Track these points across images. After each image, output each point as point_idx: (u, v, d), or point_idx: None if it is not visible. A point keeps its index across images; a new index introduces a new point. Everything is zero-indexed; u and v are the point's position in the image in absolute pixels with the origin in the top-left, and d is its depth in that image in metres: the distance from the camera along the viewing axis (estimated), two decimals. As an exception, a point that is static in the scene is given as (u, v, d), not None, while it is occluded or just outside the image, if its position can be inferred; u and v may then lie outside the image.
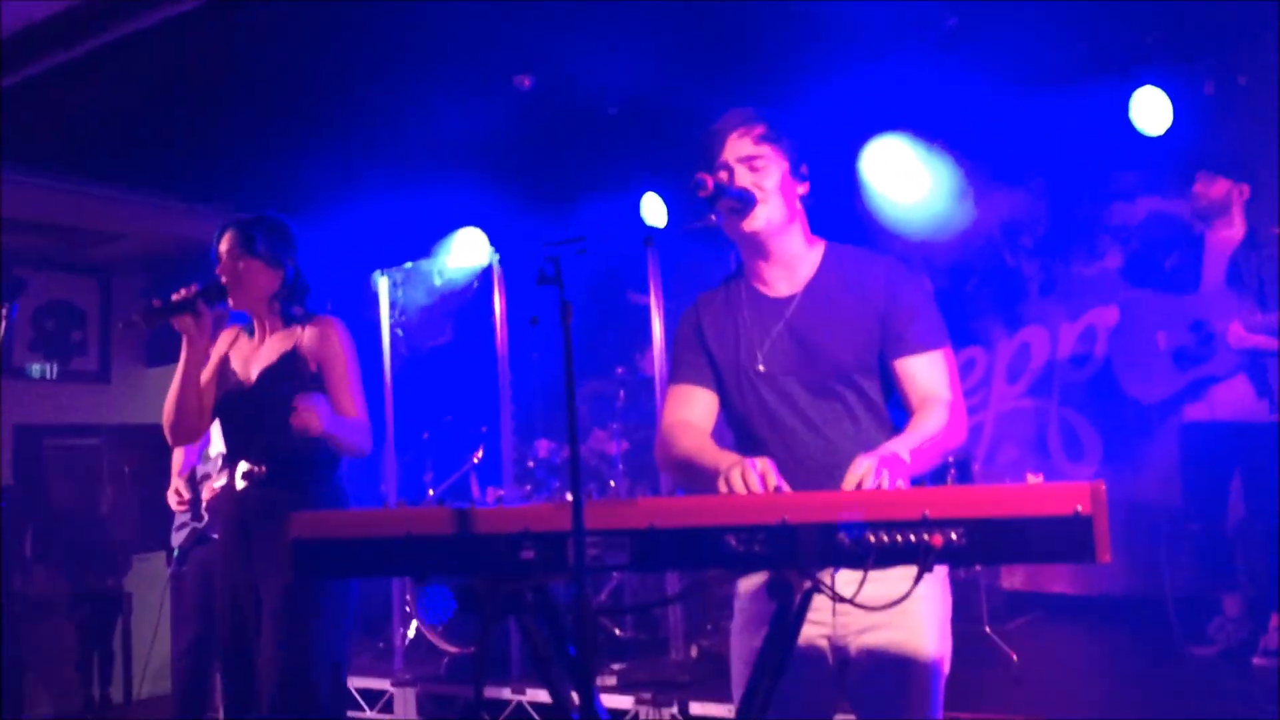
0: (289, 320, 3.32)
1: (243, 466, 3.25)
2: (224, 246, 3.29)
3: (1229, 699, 4.11)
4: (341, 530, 2.12)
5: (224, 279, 3.25)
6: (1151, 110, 5.16)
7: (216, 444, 4.47)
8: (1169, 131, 5.09)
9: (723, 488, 2.03)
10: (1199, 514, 4.71)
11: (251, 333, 3.39)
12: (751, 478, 2.00)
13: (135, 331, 3.20)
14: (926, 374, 2.27)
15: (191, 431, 3.33)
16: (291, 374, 3.23)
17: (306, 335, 3.29)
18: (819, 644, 2.26)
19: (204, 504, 4.43)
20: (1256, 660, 4.37)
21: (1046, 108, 5.60)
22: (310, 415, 3.00)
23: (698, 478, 2.27)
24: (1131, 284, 5.37)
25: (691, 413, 2.41)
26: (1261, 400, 4.49)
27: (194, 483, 4.48)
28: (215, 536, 4.24)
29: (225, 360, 3.37)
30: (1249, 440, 4.51)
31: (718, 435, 2.43)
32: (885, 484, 1.94)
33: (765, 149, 2.31)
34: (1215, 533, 4.61)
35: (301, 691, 3.06)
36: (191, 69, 4.89)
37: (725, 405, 2.43)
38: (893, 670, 2.23)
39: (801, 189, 2.37)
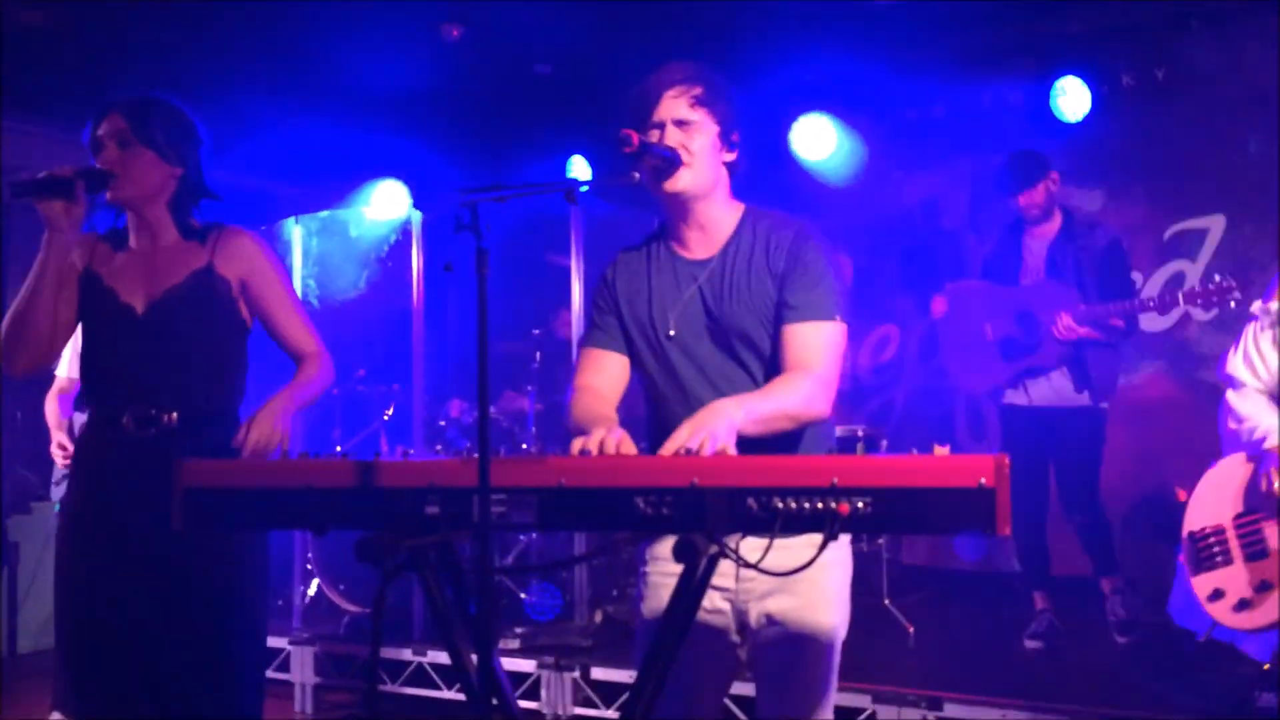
0: (187, 231, 2.70)
1: (136, 411, 2.59)
2: (106, 129, 2.62)
3: (1126, 673, 4.25)
4: (238, 480, 2.04)
5: (106, 166, 2.59)
6: (1073, 99, 5.25)
7: None
8: (1087, 119, 5.20)
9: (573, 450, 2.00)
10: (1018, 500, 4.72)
11: (120, 244, 2.71)
12: (590, 445, 1.96)
13: None
14: (805, 342, 2.23)
15: (39, 359, 2.63)
16: (206, 297, 2.65)
17: (220, 249, 2.69)
18: (721, 608, 2.26)
19: None
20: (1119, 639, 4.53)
21: (972, 90, 5.68)
22: (261, 438, 2.49)
23: None
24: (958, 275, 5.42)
25: (598, 378, 2.38)
26: (1081, 392, 4.58)
27: (73, 435, 4.28)
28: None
29: (92, 276, 2.66)
30: (1066, 424, 4.60)
31: (632, 397, 2.41)
32: (705, 449, 1.90)
33: (700, 113, 2.28)
34: (1034, 522, 4.66)
35: (223, 680, 2.56)
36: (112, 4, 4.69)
37: (636, 369, 2.41)
38: (792, 637, 2.25)
39: (729, 156, 2.35)
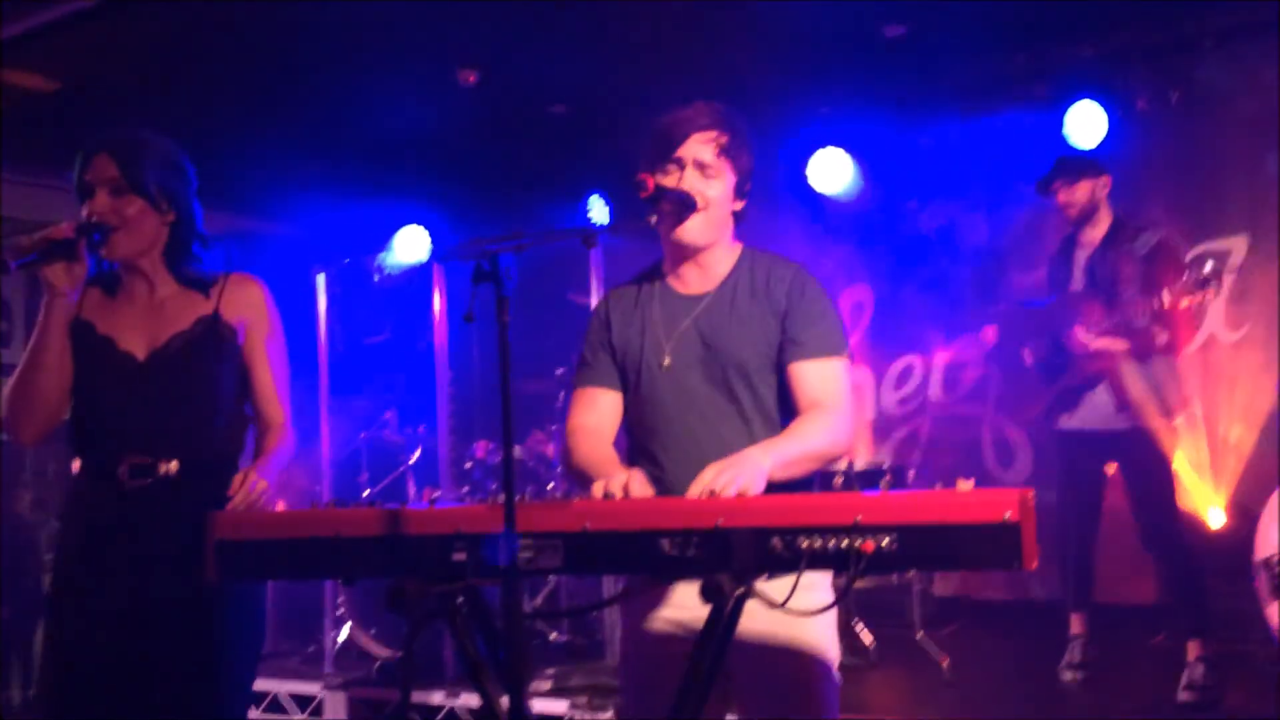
0: (186, 279, 2.57)
1: (133, 460, 2.46)
2: (95, 174, 2.46)
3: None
4: (268, 531, 2.07)
5: (100, 219, 2.44)
6: (1087, 123, 5.24)
7: None
8: (1102, 144, 5.19)
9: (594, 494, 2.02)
10: (1073, 524, 4.51)
11: (111, 289, 2.58)
12: (615, 490, 1.98)
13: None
14: (816, 379, 2.26)
15: (48, 425, 2.51)
16: (212, 344, 2.53)
17: (226, 295, 2.58)
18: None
19: None
20: (1182, 696, 4.15)
21: (987, 116, 5.68)
22: (255, 491, 2.38)
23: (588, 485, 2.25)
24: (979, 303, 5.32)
25: (592, 417, 2.39)
26: (1122, 411, 4.36)
27: None
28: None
29: (84, 325, 2.54)
30: (1116, 447, 4.40)
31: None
32: (729, 491, 1.92)
33: (723, 162, 2.31)
34: (1083, 545, 4.50)
35: None
36: (128, 60, 4.78)
37: (626, 402, 2.41)
38: (781, 673, 2.24)
39: (738, 205, 2.38)
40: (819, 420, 2.21)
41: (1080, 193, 4.48)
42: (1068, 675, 4.51)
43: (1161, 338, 4.31)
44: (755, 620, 2.09)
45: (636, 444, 2.39)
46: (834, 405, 2.23)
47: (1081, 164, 4.54)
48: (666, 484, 2.25)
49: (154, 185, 2.47)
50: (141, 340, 2.52)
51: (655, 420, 2.34)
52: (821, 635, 2.25)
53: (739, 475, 1.96)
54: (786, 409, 2.31)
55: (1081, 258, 4.54)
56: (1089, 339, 4.35)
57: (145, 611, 2.42)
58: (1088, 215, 4.50)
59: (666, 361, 2.33)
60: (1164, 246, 4.40)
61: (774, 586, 1.81)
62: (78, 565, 2.49)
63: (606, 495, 1.99)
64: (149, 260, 2.54)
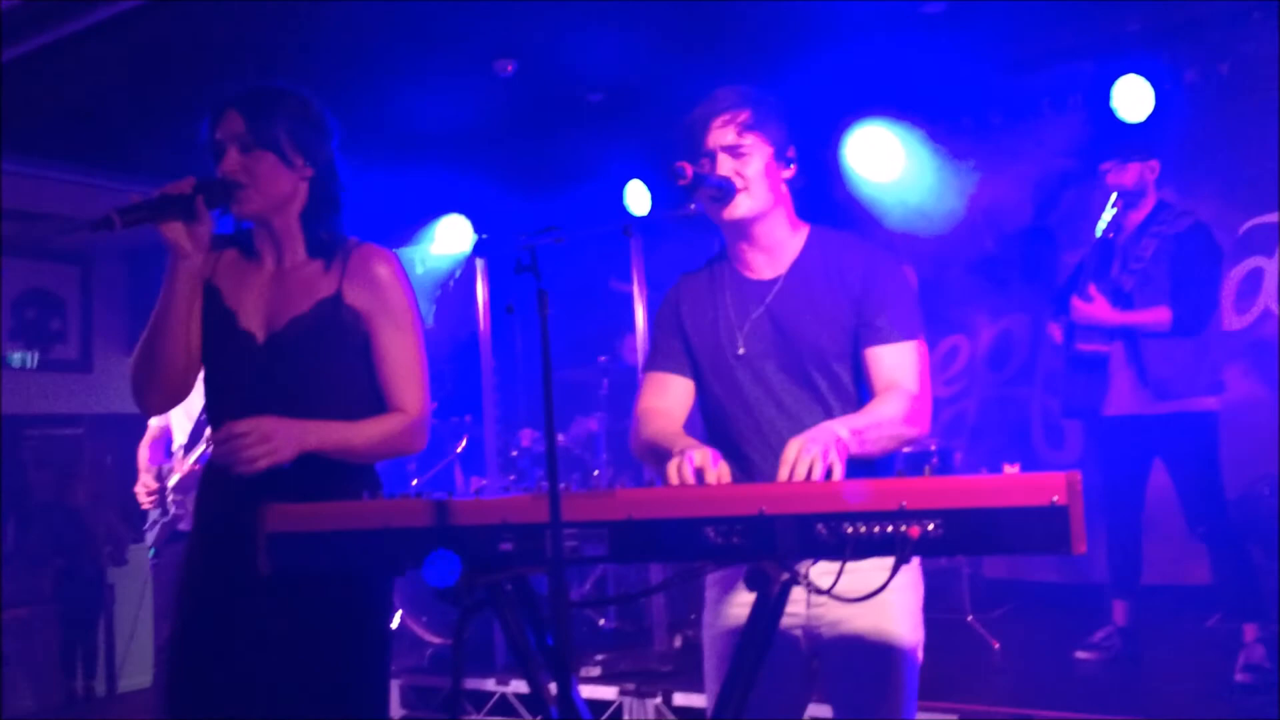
0: (317, 246, 2.35)
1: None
2: (224, 131, 2.30)
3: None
4: (316, 523, 2.09)
5: (231, 176, 2.28)
6: (1134, 98, 5.15)
7: (180, 436, 4.29)
8: (1151, 118, 5.09)
9: (671, 478, 2.02)
10: (1116, 511, 4.49)
11: (249, 252, 2.40)
12: (685, 469, 1.98)
13: (109, 233, 2.11)
14: (894, 363, 2.25)
15: (175, 392, 2.35)
16: (332, 330, 2.31)
17: (350, 274, 2.33)
18: (793, 634, 2.26)
19: (170, 497, 4.27)
20: (1239, 677, 4.11)
21: (1031, 93, 5.60)
22: (259, 448, 2.14)
23: (659, 463, 2.26)
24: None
25: (664, 400, 2.39)
26: (1143, 392, 4.34)
27: (161, 478, 4.37)
28: (184, 529, 4.02)
29: (213, 291, 2.38)
30: (1151, 431, 4.36)
31: (691, 422, 2.42)
32: (816, 473, 1.92)
33: (749, 137, 2.29)
34: (1128, 528, 4.47)
35: None
36: (170, 53, 4.84)
37: (700, 391, 2.42)
38: (866, 661, 2.23)
39: (787, 173, 2.35)
40: (895, 400, 2.20)
41: (1129, 175, 4.47)
42: (1080, 655, 4.52)
43: (1183, 317, 4.29)
44: (839, 607, 2.11)
45: (715, 433, 2.39)
46: (911, 387, 2.23)
47: (1134, 145, 4.51)
48: (750, 473, 2.26)
49: (285, 139, 2.30)
50: (261, 319, 2.33)
51: (733, 409, 2.34)
52: (902, 620, 2.24)
53: (823, 451, 1.94)
54: (865, 393, 2.31)
55: (1121, 240, 4.51)
56: (1098, 314, 4.35)
57: (261, 600, 2.23)
58: (1134, 198, 4.48)
59: (741, 350, 2.33)
60: (1196, 230, 4.38)
61: (851, 568, 1.76)
62: (199, 551, 2.38)
63: (682, 476, 1.97)
64: (284, 220, 2.34)
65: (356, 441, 2.28)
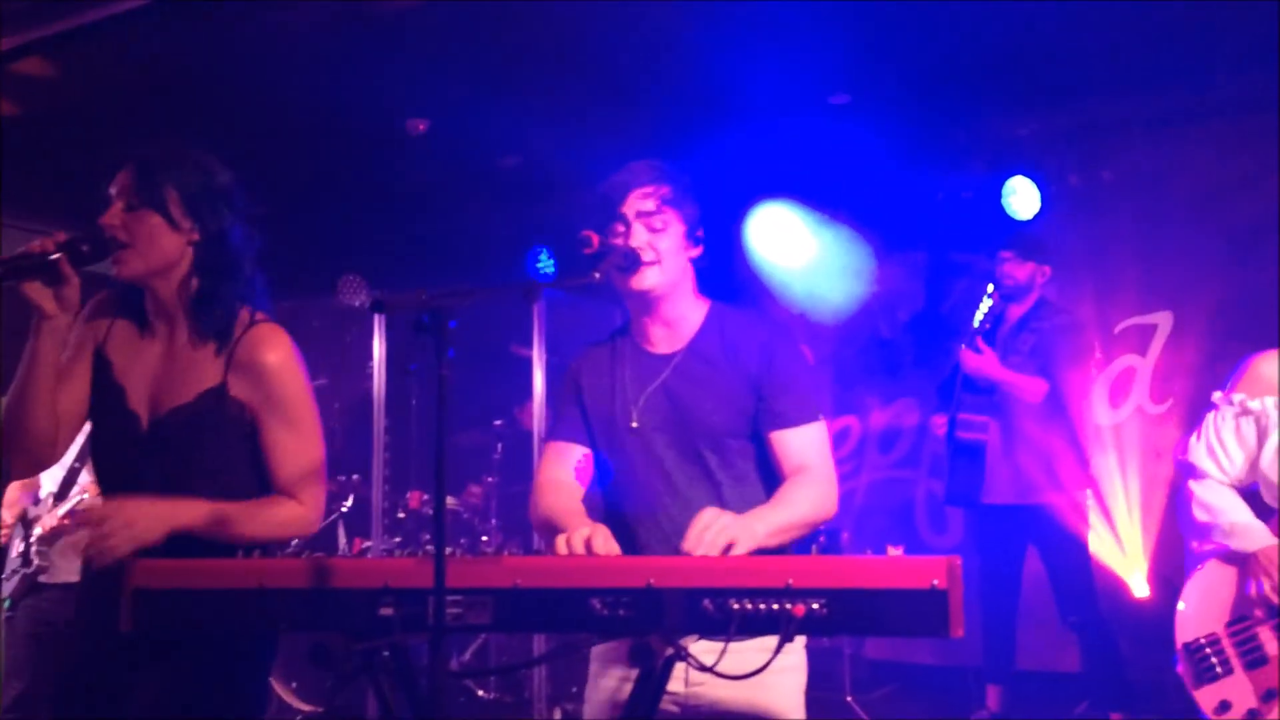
0: (206, 324, 2.22)
1: None
2: (117, 185, 2.20)
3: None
4: (188, 580, 2.00)
5: (109, 232, 2.16)
6: (1023, 196, 5.40)
7: (49, 484, 4.09)
8: (1037, 217, 5.34)
9: (560, 550, 2.01)
10: (990, 596, 4.63)
11: (143, 323, 2.29)
12: (575, 541, 1.98)
13: None
14: (799, 446, 2.27)
15: (40, 459, 2.26)
16: (215, 423, 2.21)
17: (237, 360, 2.22)
18: (670, 710, 2.23)
19: (33, 548, 4.09)
20: None
21: (925, 187, 5.82)
22: (116, 536, 2.06)
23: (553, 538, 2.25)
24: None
25: (563, 471, 2.39)
26: (1012, 488, 4.52)
27: (25, 525, 4.16)
28: (46, 581, 3.91)
29: (105, 361, 2.26)
30: (1018, 520, 4.53)
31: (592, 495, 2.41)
32: (720, 540, 1.93)
33: (668, 212, 2.31)
34: (1002, 614, 4.59)
35: None
36: (85, 104, 4.74)
37: (597, 463, 2.41)
38: None
39: (694, 252, 2.38)
40: (806, 488, 2.21)
41: (1023, 271, 4.68)
42: None
43: (1049, 414, 4.48)
44: (719, 687, 2.08)
45: (608, 505, 2.38)
46: (819, 471, 2.25)
47: (1034, 246, 4.74)
48: (638, 545, 2.25)
49: (174, 200, 2.19)
50: (146, 402, 2.23)
51: (624, 483, 2.34)
52: (784, 702, 2.24)
53: (731, 527, 1.96)
54: (766, 472, 2.31)
55: (1002, 332, 4.71)
56: (985, 367, 4.53)
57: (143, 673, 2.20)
58: (1020, 294, 4.69)
59: (635, 423, 2.33)
60: (1068, 328, 4.62)
61: (733, 648, 1.77)
62: (83, 615, 2.30)
63: (571, 547, 1.97)
64: (167, 287, 2.22)
65: (238, 524, 2.18)
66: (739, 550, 1.95)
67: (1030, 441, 4.51)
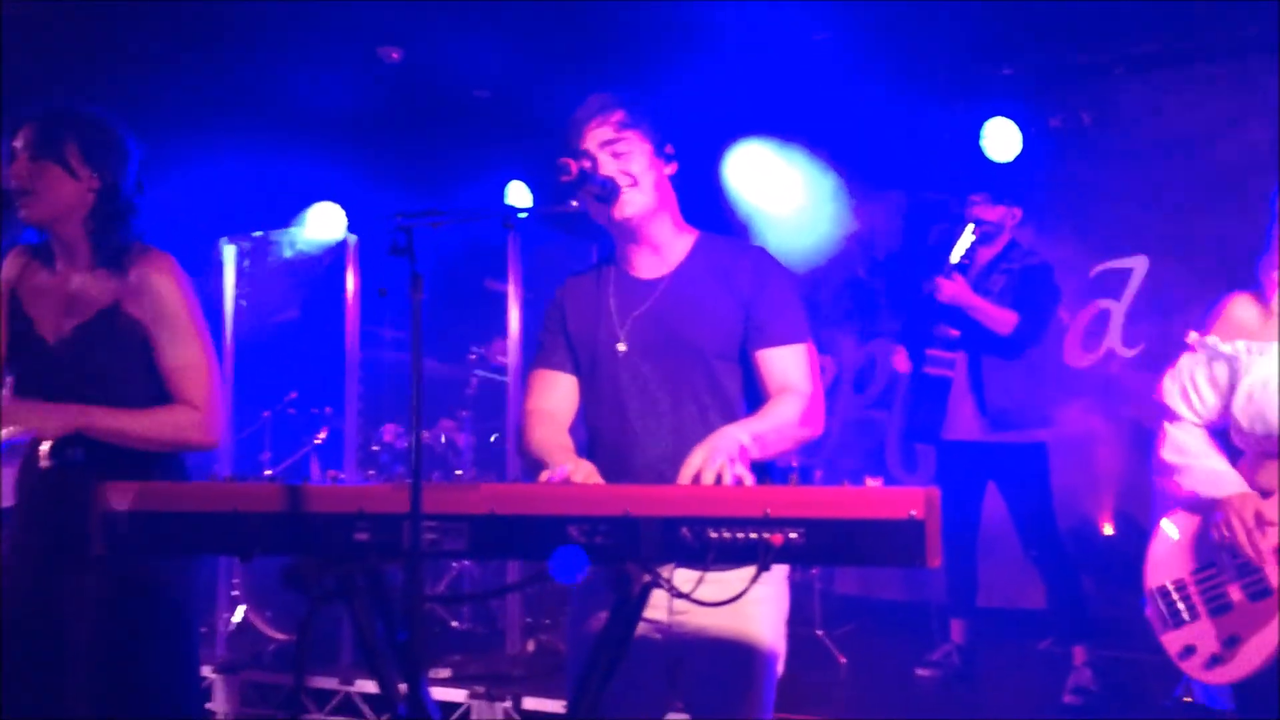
0: (104, 254, 2.53)
1: (45, 445, 2.43)
2: (19, 142, 2.51)
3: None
4: (160, 504, 1.99)
5: (14, 184, 2.49)
6: (1002, 138, 5.37)
7: None
8: (1016, 159, 5.32)
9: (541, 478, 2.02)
10: (948, 529, 4.71)
11: (50, 261, 2.60)
12: (555, 474, 1.99)
13: None
14: (786, 365, 2.27)
15: None
16: (112, 337, 2.51)
17: (131, 285, 2.53)
18: (653, 638, 2.25)
19: None
20: (1067, 699, 4.30)
21: (906, 127, 5.78)
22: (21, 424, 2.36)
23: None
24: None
25: (549, 399, 2.38)
26: (981, 421, 4.55)
27: None
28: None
29: (16, 299, 2.58)
30: (988, 457, 4.56)
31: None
32: (727, 478, 1.93)
33: (627, 134, 2.29)
34: (964, 549, 4.64)
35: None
36: (40, 19, 4.59)
37: (582, 389, 2.40)
38: (726, 668, 2.24)
39: (669, 169, 2.36)
40: (792, 402, 2.22)
41: (994, 213, 4.66)
42: (920, 672, 4.68)
43: (1022, 330, 4.49)
44: (701, 615, 2.11)
45: (593, 430, 2.37)
46: (804, 388, 2.25)
47: (1004, 188, 4.70)
48: (622, 470, 2.24)
49: (73, 152, 2.50)
50: (51, 324, 2.54)
51: (611, 405, 2.32)
52: (765, 628, 2.26)
53: (730, 461, 1.95)
54: (751, 395, 2.32)
55: (972, 273, 4.70)
56: (959, 294, 4.53)
57: (52, 600, 2.43)
58: (990, 235, 4.68)
59: (621, 346, 2.32)
60: (1041, 269, 4.62)
61: (714, 578, 1.79)
62: (7, 541, 2.52)
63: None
64: (70, 228, 2.54)
65: (132, 426, 2.47)
66: (747, 479, 1.95)
67: (995, 379, 4.53)
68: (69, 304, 2.54)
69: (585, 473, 2.03)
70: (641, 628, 2.08)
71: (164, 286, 2.53)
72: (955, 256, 4.65)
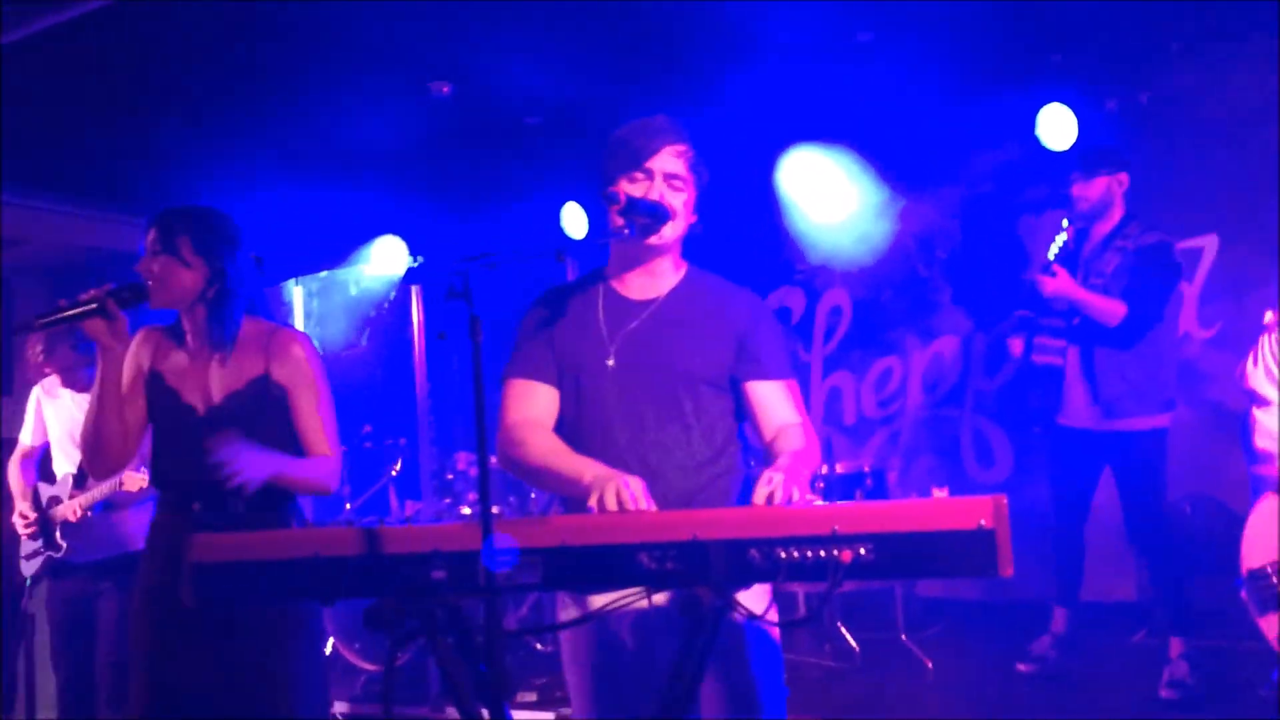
0: (230, 332, 2.88)
1: (205, 500, 2.80)
2: (148, 241, 2.86)
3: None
4: (245, 553, 2.05)
5: (144, 277, 2.80)
6: (1057, 126, 5.28)
7: (62, 463, 4.21)
8: (1074, 147, 5.23)
9: (592, 503, 2.03)
10: (1058, 514, 4.60)
11: (181, 341, 2.93)
12: (625, 495, 2.00)
13: (30, 336, 2.78)
14: (781, 399, 2.36)
15: (117, 459, 2.89)
16: (262, 403, 2.86)
17: (274, 355, 2.89)
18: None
19: (57, 531, 4.11)
20: (1164, 693, 4.21)
21: (958, 122, 5.72)
22: (245, 468, 2.66)
23: (552, 482, 2.30)
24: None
25: (532, 409, 2.38)
26: (1093, 408, 4.44)
27: (39, 505, 4.17)
28: (72, 561, 4.11)
29: (156, 375, 2.91)
30: (1099, 446, 4.45)
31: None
32: (796, 496, 1.98)
33: (690, 176, 2.36)
34: (1072, 535, 4.56)
35: None
36: (98, 70, 4.75)
37: (562, 402, 2.40)
38: (730, 681, 2.27)
39: (693, 219, 2.42)
40: (806, 436, 2.31)
41: (1095, 188, 4.48)
42: (1021, 668, 4.57)
43: (1133, 319, 4.32)
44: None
45: (574, 443, 2.34)
46: (806, 422, 2.36)
47: (1098, 158, 4.51)
48: None
49: (184, 245, 2.82)
50: (200, 394, 2.88)
51: (596, 419, 2.34)
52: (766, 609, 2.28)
53: (798, 483, 2.03)
54: (736, 422, 2.41)
55: (1086, 252, 4.54)
56: (1063, 288, 4.37)
57: (219, 639, 2.71)
58: (1100, 211, 4.50)
59: (610, 361, 2.34)
60: (1159, 246, 4.41)
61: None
62: (159, 592, 2.78)
63: (620, 501, 2.00)
64: (191, 312, 2.88)
65: (305, 474, 2.85)
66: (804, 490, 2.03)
67: (1109, 366, 4.39)
68: (217, 376, 2.88)
69: (636, 483, 2.04)
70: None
71: (302, 355, 2.91)
72: (1052, 253, 4.51)
